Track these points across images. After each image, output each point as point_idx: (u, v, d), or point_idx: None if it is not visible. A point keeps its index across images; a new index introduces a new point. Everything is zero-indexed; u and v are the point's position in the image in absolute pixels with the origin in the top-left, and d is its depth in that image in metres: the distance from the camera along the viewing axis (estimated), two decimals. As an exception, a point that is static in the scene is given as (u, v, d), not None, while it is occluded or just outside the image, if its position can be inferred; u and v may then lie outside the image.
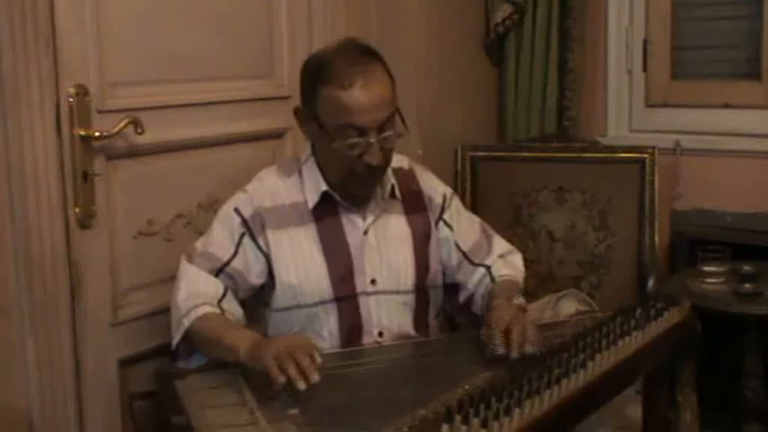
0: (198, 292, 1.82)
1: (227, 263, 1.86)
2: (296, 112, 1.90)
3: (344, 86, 1.75)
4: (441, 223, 2.02)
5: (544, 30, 3.00)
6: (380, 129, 1.78)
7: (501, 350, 1.68)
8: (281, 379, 1.53)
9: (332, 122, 1.78)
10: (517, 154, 2.95)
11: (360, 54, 1.81)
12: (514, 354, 1.67)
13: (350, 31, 2.37)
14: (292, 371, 1.53)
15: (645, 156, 2.82)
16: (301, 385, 1.51)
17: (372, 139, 1.77)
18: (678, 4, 3.10)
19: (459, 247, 2.02)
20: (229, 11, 2.17)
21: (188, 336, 1.80)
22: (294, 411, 1.50)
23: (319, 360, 1.56)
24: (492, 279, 1.99)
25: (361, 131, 1.77)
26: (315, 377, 1.52)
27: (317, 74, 1.81)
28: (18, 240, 1.76)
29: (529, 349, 1.67)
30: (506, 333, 1.69)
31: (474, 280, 2.01)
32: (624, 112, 3.21)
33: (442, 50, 2.88)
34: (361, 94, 1.76)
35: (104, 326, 1.93)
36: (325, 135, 1.80)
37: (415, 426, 1.35)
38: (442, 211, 2.03)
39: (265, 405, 1.53)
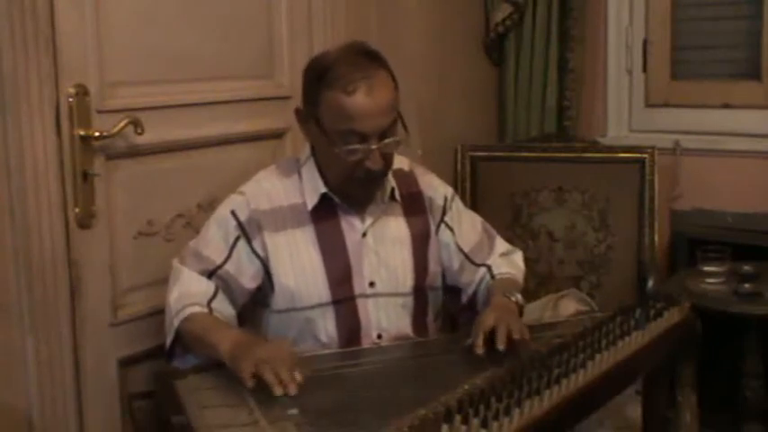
0: (189, 293, 1.82)
1: (220, 266, 1.85)
2: (297, 112, 1.89)
3: (348, 92, 1.74)
4: (442, 225, 2.02)
5: (544, 30, 3.00)
6: (382, 135, 1.78)
7: (479, 351, 1.69)
8: (250, 383, 1.54)
9: (334, 127, 1.78)
10: (517, 154, 2.95)
11: (364, 58, 1.80)
12: (500, 346, 1.67)
13: (350, 30, 2.38)
14: (269, 376, 1.53)
15: (644, 156, 2.82)
16: (278, 391, 1.52)
17: (374, 146, 1.77)
18: (678, 4, 3.09)
19: (460, 249, 2.02)
20: (229, 11, 2.17)
21: (178, 336, 1.81)
22: (294, 411, 1.50)
23: (299, 378, 1.55)
24: (492, 277, 2.00)
25: (363, 137, 1.76)
26: (292, 390, 1.52)
27: (320, 77, 1.79)
28: (18, 240, 1.76)
29: (516, 336, 1.68)
30: (491, 333, 1.70)
31: (475, 280, 2.02)
32: (624, 113, 3.21)
33: (442, 50, 2.88)
34: (364, 101, 1.74)
35: (104, 326, 1.93)
36: (327, 138, 1.79)
37: (415, 426, 1.35)
38: (444, 213, 2.02)
39: (265, 405, 1.53)
